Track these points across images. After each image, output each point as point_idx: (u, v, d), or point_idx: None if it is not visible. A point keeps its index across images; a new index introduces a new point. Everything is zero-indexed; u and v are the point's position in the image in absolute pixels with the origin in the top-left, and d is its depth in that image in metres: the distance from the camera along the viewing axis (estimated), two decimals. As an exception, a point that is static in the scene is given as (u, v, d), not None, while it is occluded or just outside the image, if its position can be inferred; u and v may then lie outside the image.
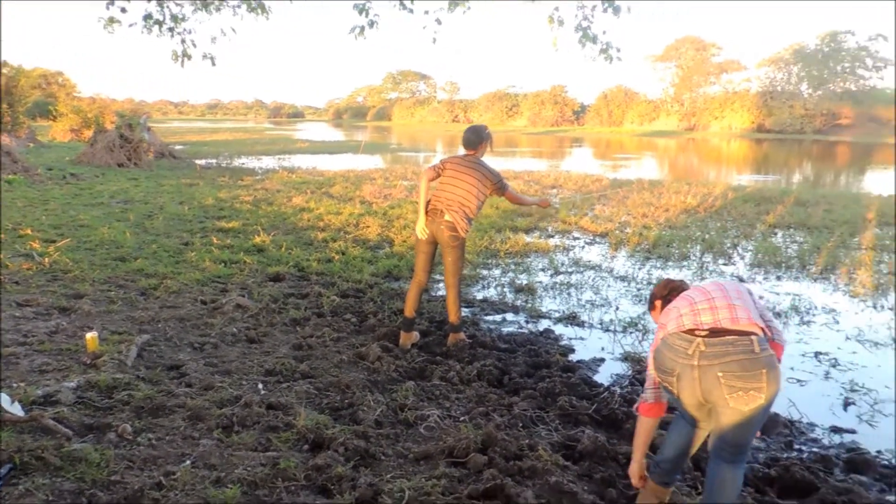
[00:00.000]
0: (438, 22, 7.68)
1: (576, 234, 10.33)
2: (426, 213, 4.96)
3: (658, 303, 3.01)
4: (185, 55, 7.13)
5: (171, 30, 7.19)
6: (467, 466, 3.31)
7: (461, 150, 5.14)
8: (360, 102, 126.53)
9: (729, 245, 9.42)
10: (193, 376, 4.21)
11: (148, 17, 7.10)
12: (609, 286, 7.23)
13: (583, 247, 9.42)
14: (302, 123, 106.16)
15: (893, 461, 3.64)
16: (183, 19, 7.24)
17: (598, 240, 9.92)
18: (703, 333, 2.50)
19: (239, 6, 7.72)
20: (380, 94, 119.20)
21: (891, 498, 3.27)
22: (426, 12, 7.70)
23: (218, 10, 7.61)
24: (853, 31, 66.42)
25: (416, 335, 5.30)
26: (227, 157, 25.63)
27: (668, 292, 2.97)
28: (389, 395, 4.17)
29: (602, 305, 6.52)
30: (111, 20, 6.72)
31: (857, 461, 3.60)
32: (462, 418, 3.89)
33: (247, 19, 8.42)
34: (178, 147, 28.89)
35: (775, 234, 10.54)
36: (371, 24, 7.80)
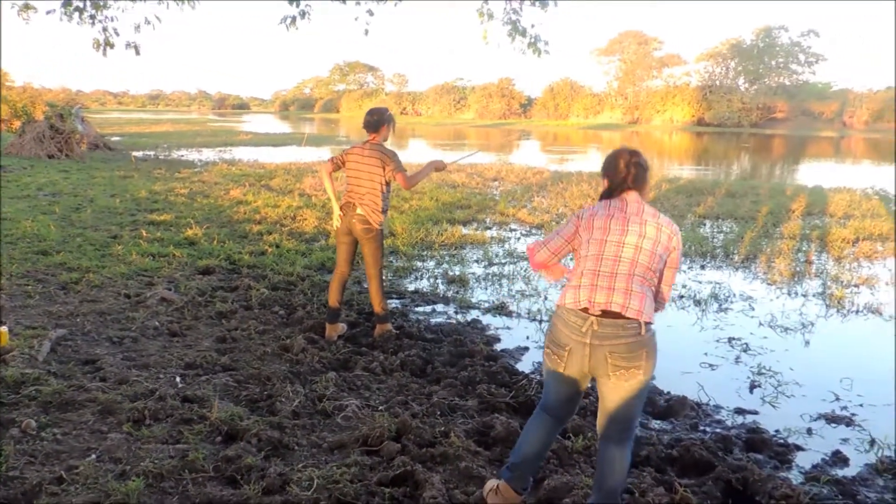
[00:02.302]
0: (370, 13, 7.67)
1: (513, 226, 10.47)
2: (340, 207, 4.99)
3: (607, 184, 2.79)
4: (107, 44, 6.94)
5: (92, 17, 6.99)
6: (380, 454, 3.35)
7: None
8: (308, 94, 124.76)
9: (659, 236, 9.67)
10: (108, 370, 4.14)
11: (67, 3, 6.88)
12: (540, 277, 7.37)
13: (518, 238, 9.56)
14: (247, 115, 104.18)
15: (788, 439, 3.84)
16: (105, 6, 7.04)
17: (534, 231, 10.07)
18: (597, 313, 2.60)
19: (165, -6, 7.55)
20: (327, 86, 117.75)
21: (783, 474, 3.45)
22: (357, 3, 7.68)
23: (143, -3, 7.43)
24: (786, 26, 68.61)
25: (342, 327, 5.31)
26: (166, 149, 25.01)
27: (620, 182, 2.74)
28: (310, 387, 4.18)
29: (531, 296, 6.64)
30: (26, 6, 6.50)
31: (756, 440, 3.79)
32: (380, 408, 3.93)
33: (173, 8, 8.21)
34: (114, 138, 28.07)
35: (704, 224, 10.89)
36: (302, 14, 7.74)
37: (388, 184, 4.96)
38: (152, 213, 10.16)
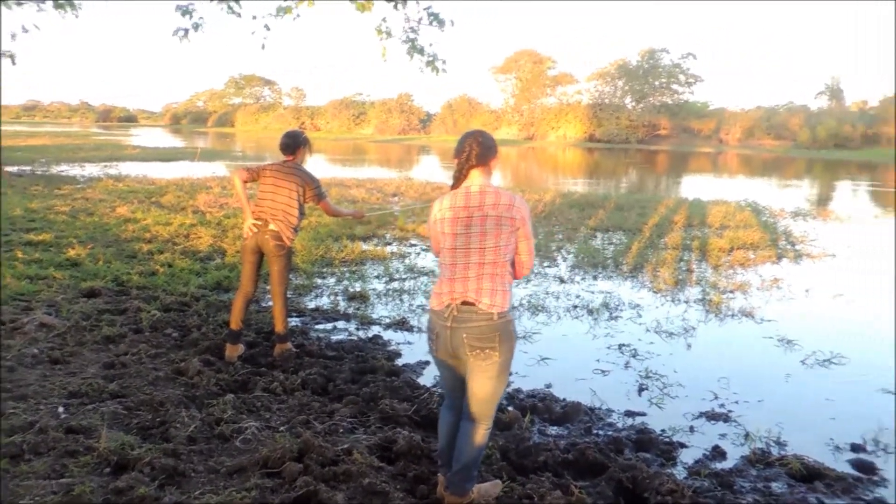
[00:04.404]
0: (267, 28, 7.58)
1: (413, 241, 10.55)
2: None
3: (455, 163, 3.06)
4: (-23, 52, 6.51)
5: (-40, 24, 6.54)
6: (282, 476, 3.30)
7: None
8: (201, 107, 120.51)
9: (554, 248, 10.05)
10: (-19, 404, 3.85)
11: (-69, 8, 6.41)
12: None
13: (418, 253, 9.65)
14: (135, 129, 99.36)
15: (673, 437, 4.10)
16: (-26, 13, 6.60)
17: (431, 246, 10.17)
18: (457, 303, 2.94)
19: (44, 1, 7.18)
20: (222, 99, 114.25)
21: (669, 470, 3.67)
22: (254, 17, 7.57)
23: (19, 4, 7.03)
24: (667, 49, 73.03)
25: (241, 347, 5.19)
26: (44, 164, 23.49)
27: (465, 160, 3.00)
28: (207, 410, 4.05)
29: (432, 309, 6.72)
30: None
31: (644, 440, 4.01)
32: (281, 428, 3.87)
33: (54, 16, 7.87)
34: (-16, 152, 26.04)
35: (595, 236, 11.39)
36: (196, 26, 7.56)
37: (303, 205, 4.99)
38: (29, 233, 9.51)
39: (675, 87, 72.82)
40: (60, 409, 3.91)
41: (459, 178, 3.04)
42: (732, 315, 6.78)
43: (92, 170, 22.24)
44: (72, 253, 8.18)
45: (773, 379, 5.15)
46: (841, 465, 3.81)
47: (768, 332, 6.28)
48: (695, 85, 72.78)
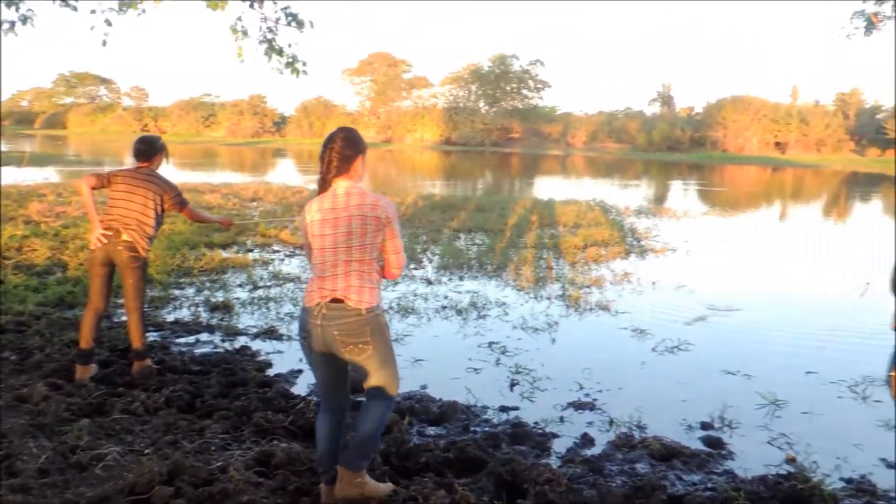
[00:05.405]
0: (108, 23, 7.10)
1: (275, 247, 10.26)
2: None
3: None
4: None
5: None
6: (151, 502, 3.10)
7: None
8: (26, 107, 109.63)
9: (420, 250, 10.16)
10: None
11: None
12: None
13: (283, 259, 9.40)
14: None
15: (546, 429, 4.28)
16: None
17: (298, 252, 9.96)
18: (326, 300, 2.98)
19: None
20: (50, 99, 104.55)
21: (544, 461, 3.84)
22: (93, 11, 7.07)
23: None
24: (517, 55, 76.11)
25: (94, 367, 4.80)
26: None
27: (326, 172, 3.06)
28: (58, 439, 3.70)
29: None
30: None
31: (519, 434, 4.16)
32: (146, 451, 3.62)
33: None
34: None
35: (459, 237, 11.65)
36: (24, 19, 6.96)
37: (160, 213, 4.72)
38: None
39: (525, 92, 76.08)
40: None
41: (324, 186, 3.09)
42: (590, 309, 7.19)
43: None
44: None
45: (631, 367, 5.52)
46: (694, 442, 4.16)
47: (623, 323, 6.73)
48: (543, 90, 76.48)
